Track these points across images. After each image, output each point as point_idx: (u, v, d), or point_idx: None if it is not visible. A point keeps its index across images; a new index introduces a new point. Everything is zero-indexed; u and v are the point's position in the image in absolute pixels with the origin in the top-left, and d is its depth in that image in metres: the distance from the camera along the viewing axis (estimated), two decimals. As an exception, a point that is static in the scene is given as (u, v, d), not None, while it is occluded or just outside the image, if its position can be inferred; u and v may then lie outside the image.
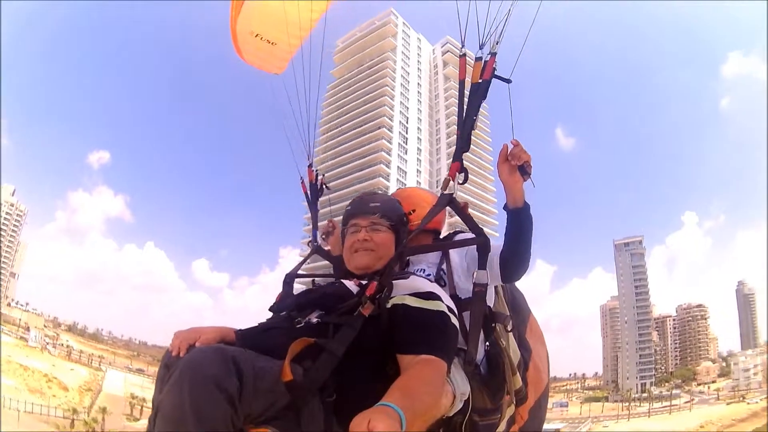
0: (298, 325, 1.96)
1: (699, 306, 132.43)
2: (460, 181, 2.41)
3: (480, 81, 2.37)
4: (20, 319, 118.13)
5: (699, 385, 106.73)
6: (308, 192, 3.50)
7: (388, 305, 1.96)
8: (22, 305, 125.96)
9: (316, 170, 3.52)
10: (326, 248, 3.17)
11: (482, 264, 2.33)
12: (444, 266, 2.57)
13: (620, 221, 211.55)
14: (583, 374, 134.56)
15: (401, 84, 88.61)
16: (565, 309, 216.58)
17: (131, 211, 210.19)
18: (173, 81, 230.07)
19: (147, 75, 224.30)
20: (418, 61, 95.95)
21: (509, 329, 2.42)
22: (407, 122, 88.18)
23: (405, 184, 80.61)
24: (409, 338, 1.87)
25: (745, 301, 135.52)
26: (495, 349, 2.37)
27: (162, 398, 1.55)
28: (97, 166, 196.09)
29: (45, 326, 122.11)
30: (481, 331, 2.30)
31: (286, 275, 2.69)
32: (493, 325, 2.35)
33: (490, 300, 2.54)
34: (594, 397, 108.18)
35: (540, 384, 2.94)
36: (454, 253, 2.57)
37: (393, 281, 2.04)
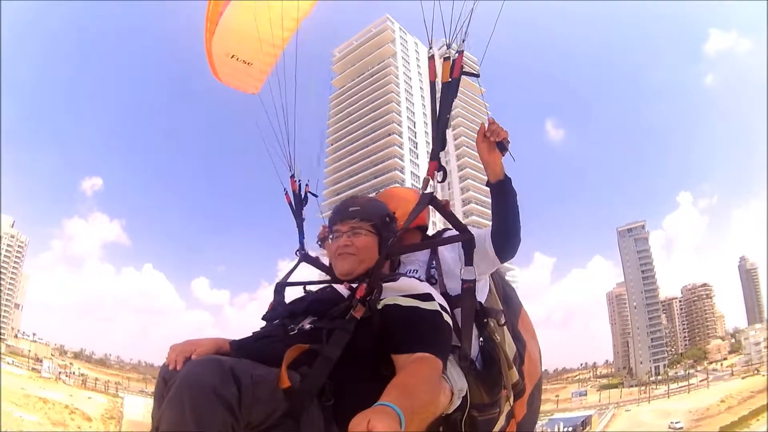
0: (292, 333, 2.03)
1: (704, 285, 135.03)
2: (439, 180, 2.47)
3: (450, 80, 2.47)
4: (30, 351, 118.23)
5: (711, 363, 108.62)
6: (292, 202, 3.51)
7: (379, 306, 2.02)
8: (28, 336, 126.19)
9: (299, 180, 3.53)
10: (316, 255, 3.22)
11: (469, 260, 2.42)
12: (434, 264, 2.61)
13: (615, 207, 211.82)
14: (594, 363, 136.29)
15: (405, 89, 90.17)
16: (568, 300, 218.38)
17: (128, 235, 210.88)
18: (161, 100, 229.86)
19: (133, 96, 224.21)
20: (418, 65, 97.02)
21: (502, 323, 2.47)
22: (415, 126, 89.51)
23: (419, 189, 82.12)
24: (403, 338, 1.92)
25: (748, 277, 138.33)
26: (489, 345, 2.41)
27: (162, 412, 1.56)
28: (90, 193, 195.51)
29: (52, 355, 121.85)
30: (475, 327, 2.36)
31: (277, 284, 2.74)
32: (485, 320, 2.40)
33: (483, 295, 2.62)
34: (609, 384, 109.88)
35: (534, 375, 3.00)
36: (445, 251, 2.62)
37: (383, 283, 2.11)
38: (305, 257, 3.15)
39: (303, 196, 3.49)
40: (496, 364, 2.40)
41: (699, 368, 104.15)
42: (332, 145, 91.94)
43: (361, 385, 1.86)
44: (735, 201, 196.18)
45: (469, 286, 2.38)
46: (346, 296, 2.17)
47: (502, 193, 2.44)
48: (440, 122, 2.51)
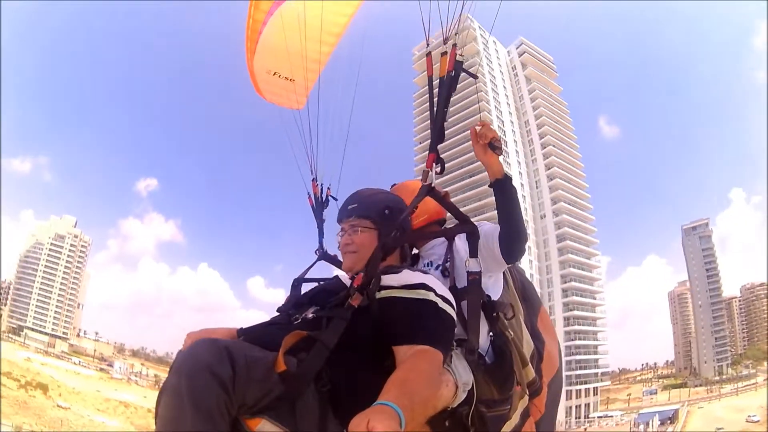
0: (296, 322, 2.18)
1: (762, 284, 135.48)
2: (437, 171, 2.57)
3: (447, 74, 2.58)
4: (95, 350, 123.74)
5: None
6: (314, 204, 3.70)
7: (378, 296, 2.13)
8: (90, 335, 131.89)
9: (321, 183, 3.70)
10: (334, 254, 3.32)
11: (473, 251, 2.49)
12: (449, 257, 2.66)
13: (668, 205, 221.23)
14: (655, 363, 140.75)
15: (491, 89, 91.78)
16: (625, 299, 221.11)
17: (183, 234, 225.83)
18: (215, 99, 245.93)
19: (187, 96, 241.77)
20: (499, 65, 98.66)
21: (509, 317, 2.49)
22: (503, 126, 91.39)
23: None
24: (403, 329, 2.01)
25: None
26: (500, 339, 2.45)
27: (163, 387, 1.73)
28: (145, 194, 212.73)
29: (113, 354, 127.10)
30: (486, 322, 2.43)
31: (294, 279, 2.91)
32: (495, 314, 2.45)
33: (497, 291, 2.65)
34: (673, 384, 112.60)
35: (551, 374, 3.10)
36: (460, 244, 2.66)
37: (385, 275, 2.22)
38: (323, 256, 3.33)
39: (324, 199, 3.69)
40: (507, 359, 2.45)
41: (760, 368, 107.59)
42: (420, 143, 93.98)
43: (358, 372, 1.98)
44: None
45: (474, 278, 2.44)
46: (348, 286, 2.27)
47: (502, 193, 2.50)
48: (438, 116, 2.60)
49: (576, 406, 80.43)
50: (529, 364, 2.62)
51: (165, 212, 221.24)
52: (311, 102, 3.83)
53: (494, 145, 2.49)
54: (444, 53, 2.61)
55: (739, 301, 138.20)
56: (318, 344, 1.94)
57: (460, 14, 2.64)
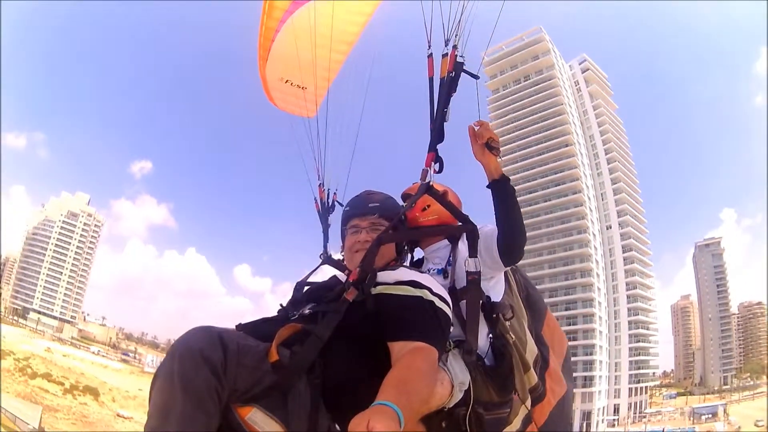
0: (292, 318, 2.35)
1: (758, 303, 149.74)
2: (436, 170, 2.79)
3: (447, 75, 2.80)
4: (110, 338, 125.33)
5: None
6: (320, 209, 3.95)
7: (374, 291, 2.30)
8: (95, 320, 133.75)
9: (327, 189, 3.97)
10: (338, 258, 3.37)
11: (473, 252, 2.65)
12: (451, 258, 2.84)
13: (659, 220, 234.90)
14: (653, 372, 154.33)
15: (565, 102, 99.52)
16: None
17: (175, 219, 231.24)
18: (215, 88, 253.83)
19: (188, 83, 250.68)
20: (566, 79, 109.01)
21: (507, 318, 2.67)
22: (579, 139, 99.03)
23: (589, 199, 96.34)
24: (398, 326, 2.16)
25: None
26: (500, 341, 2.61)
27: (157, 370, 1.85)
28: (139, 176, 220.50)
29: (116, 339, 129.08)
30: (486, 324, 2.60)
31: (297, 283, 2.99)
32: (495, 315, 2.62)
33: (498, 294, 2.83)
34: (679, 392, 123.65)
35: (557, 377, 3.23)
36: (462, 246, 2.83)
37: (381, 272, 2.39)
38: (328, 260, 3.46)
39: (330, 204, 3.97)
40: (507, 362, 2.58)
41: (758, 381, 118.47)
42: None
43: (351, 365, 2.15)
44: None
45: (473, 278, 2.58)
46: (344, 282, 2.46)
47: (499, 194, 2.66)
48: (438, 116, 2.79)
49: (634, 404, 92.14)
50: (532, 369, 2.83)
51: (158, 195, 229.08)
52: (320, 108, 4.07)
53: (491, 146, 2.69)
54: (445, 54, 2.88)
55: (737, 317, 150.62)
56: (312, 337, 2.12)
57: (461, 17, 2.85)
